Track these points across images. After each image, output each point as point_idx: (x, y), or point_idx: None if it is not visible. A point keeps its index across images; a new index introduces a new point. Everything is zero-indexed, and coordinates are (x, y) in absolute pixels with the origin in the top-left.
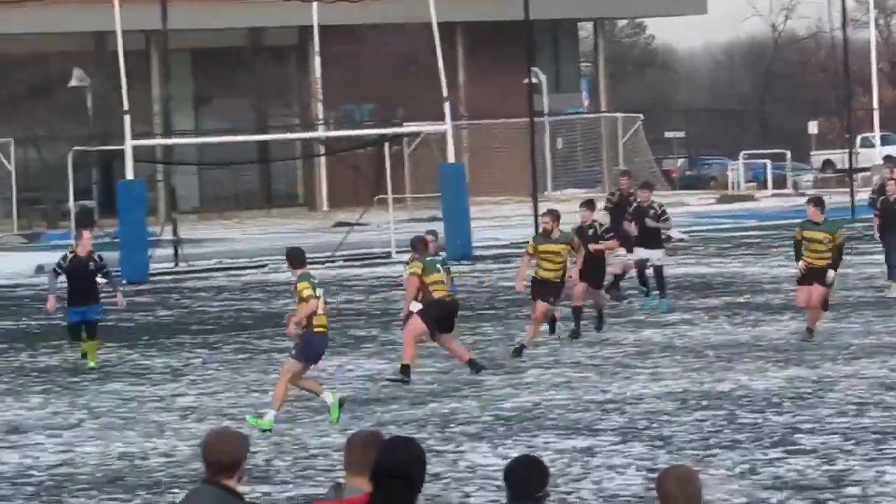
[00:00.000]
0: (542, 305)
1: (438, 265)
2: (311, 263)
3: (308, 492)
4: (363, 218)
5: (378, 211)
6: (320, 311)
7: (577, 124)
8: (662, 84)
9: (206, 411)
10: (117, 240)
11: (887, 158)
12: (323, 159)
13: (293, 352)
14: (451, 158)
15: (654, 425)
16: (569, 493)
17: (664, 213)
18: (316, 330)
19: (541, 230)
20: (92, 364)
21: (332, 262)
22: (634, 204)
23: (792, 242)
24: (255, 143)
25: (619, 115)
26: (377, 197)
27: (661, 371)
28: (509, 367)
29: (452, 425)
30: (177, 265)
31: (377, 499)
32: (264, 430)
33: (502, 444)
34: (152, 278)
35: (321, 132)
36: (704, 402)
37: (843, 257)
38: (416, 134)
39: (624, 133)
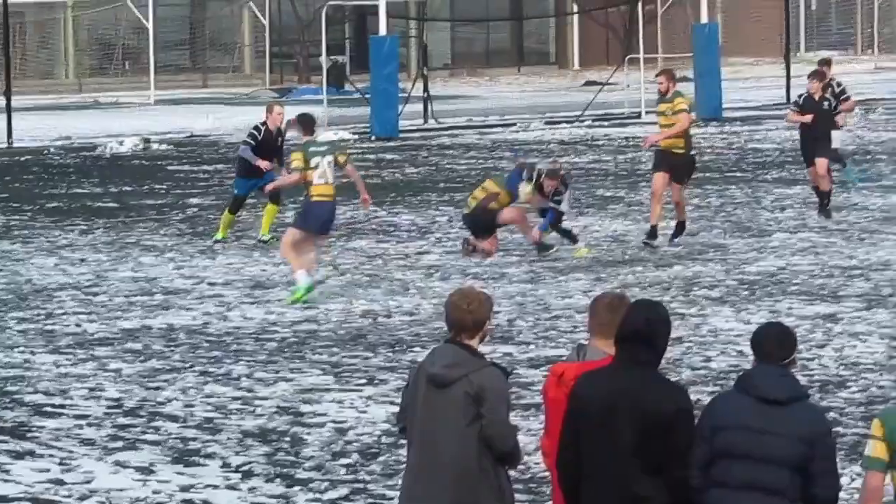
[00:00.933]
0: (662, 182)
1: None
2: (559, 123)
3: (550, 353)
4: (613, 77)
5: (629, 71)
6: (316, 181)
7: None
8: None
9: (451, 270)
10: (368, 96)
11: None
12: (575, 17)
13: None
14: (704, 18)
15: None
16: (811, 360)
17: (843, 91)
18: (314, 199)
19: (657, 91)
20: (220, 237)
21: (581, 121)
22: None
23: None
24: (508, 0)
25: None
26: (628, 56)
27: None
28: (755, 230)
29: (696, 288)
30: (426, 122)
31: (621, 361)
32: (307, 293)
33: (745, 308)
34: (402, 134)
35: None
36: None
37: None
38: None
39: None
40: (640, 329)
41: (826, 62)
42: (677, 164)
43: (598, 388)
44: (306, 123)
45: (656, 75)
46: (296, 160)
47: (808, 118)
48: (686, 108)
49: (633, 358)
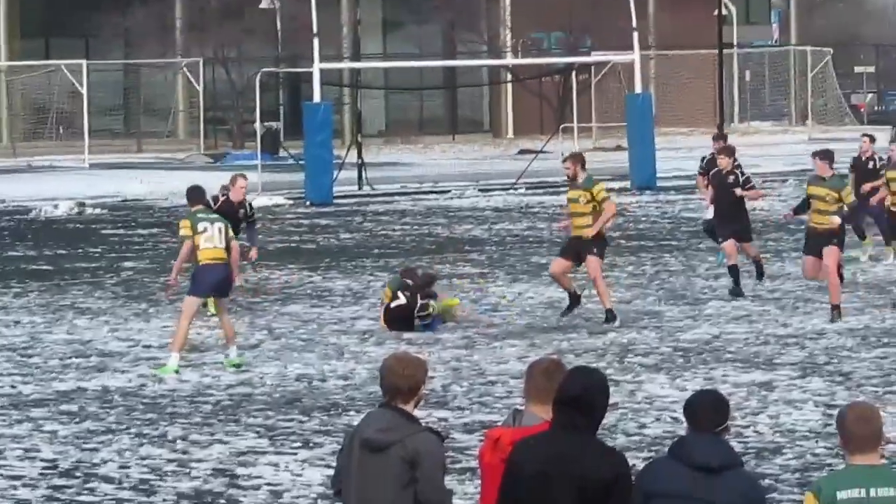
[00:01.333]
0: (593, 261)
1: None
2: (493, 190)
3: (485, 418)
4: (547, 146)
5: (563, 139)
6: (203, 245)
7: (765, 57)
8: (853, 17)
9: (385, 335)
10: (302, 162)
11: None
12: (509, 87)
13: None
14: (637, 89)
15: (834, 361)
16: (746, 427)
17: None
18: (202, 263)
19: (565, 177)
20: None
21: (515, 188)
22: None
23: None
24: (442, 69)
25: (808, 48)
26: (562, 125)
27: (843, 306)
28: (690, 298)
29: (631, 355)
30: (360, 188)
31: (558, 427)
32: (170, 371)
33: (680, 375)
34: (336, 201)
35: (509, 59)
36: (885, 339)
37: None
38: (604, 63)
39: (813, 67)
40: (577, 395)
41: (723, 136)
42: (589, 244)
43: (535, 454)
44: (193, 195)
45: (563, 160)
46: (183, 227)
47: (709, 201)
48: (608, 194)
49: (571, 423)
